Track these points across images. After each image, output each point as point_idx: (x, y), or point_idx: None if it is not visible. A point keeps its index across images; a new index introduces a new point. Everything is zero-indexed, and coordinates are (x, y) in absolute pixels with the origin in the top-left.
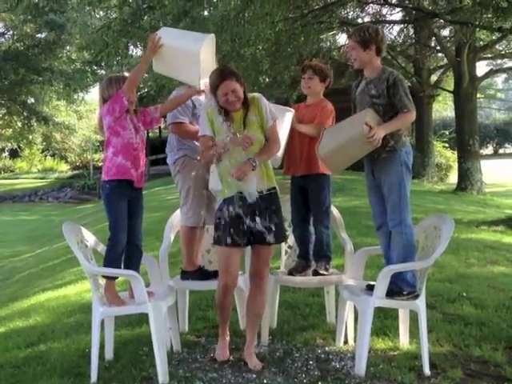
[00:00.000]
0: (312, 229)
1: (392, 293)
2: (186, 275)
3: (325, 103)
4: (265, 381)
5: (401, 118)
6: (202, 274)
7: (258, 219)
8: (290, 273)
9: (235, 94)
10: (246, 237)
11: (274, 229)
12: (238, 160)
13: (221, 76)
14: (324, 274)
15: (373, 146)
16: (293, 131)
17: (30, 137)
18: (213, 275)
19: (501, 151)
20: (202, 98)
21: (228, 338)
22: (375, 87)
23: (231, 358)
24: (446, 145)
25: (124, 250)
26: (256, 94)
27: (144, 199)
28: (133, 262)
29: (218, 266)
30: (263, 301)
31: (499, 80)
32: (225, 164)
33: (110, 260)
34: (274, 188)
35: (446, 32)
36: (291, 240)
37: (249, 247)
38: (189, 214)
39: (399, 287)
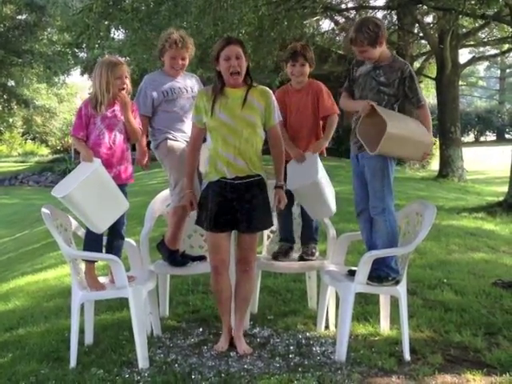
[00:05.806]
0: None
1: (379, 278)
2: (161, 246)
3: (315, 84)
4: (245, 366)
5: (426, 120)
6: (183, 257)
7: (242, 205)
8: (275, 257)
9: (239, 62)
10: (232, 222)
11: (258, 215)
12: (228, 143)
13: (226, 41)
14: (311, 260)
15: (422, 159)
16: None
17: (11, 120)
18: (195, 260)
19: (482, 139)
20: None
21: (230, 331)
22: (385, 75)
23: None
24: None
25: (103, 232)
26: (267, 88)
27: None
28: (113, 248)
29: (208, 248)
30: (251, 286)
31: (481, 68)
32: (215, 146)
33: (88, 242)
34: (260, 175)
35: (429, 19)
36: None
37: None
38: (181, 194)
39: (386, 273)
